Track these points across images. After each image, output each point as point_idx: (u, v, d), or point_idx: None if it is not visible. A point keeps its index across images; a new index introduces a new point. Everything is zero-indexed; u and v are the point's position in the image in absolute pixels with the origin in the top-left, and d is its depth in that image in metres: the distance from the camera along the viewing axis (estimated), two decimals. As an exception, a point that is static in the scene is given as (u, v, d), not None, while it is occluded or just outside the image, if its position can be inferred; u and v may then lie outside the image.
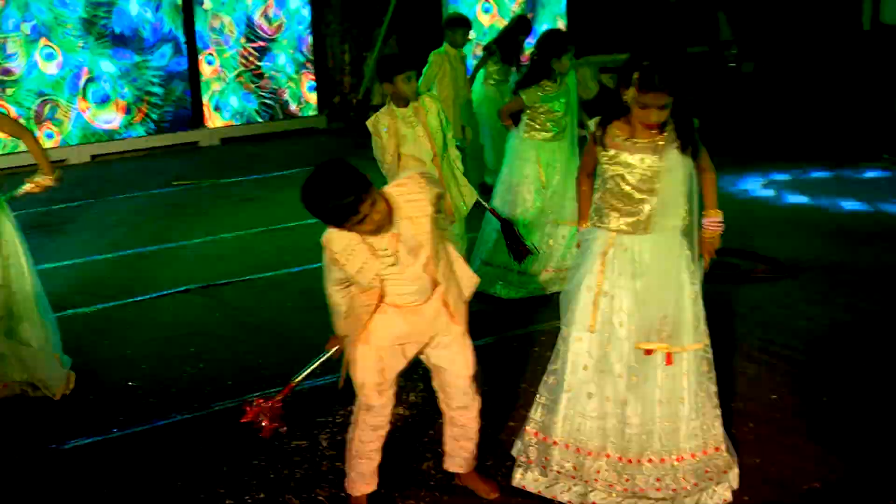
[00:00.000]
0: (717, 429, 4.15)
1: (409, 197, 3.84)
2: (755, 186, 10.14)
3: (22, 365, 5.34)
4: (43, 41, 12.32)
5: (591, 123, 4.14)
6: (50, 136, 12.52)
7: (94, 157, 12.82)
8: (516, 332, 6.11)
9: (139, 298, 7.04)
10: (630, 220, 4.06)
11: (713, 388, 4.19)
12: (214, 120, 13.80)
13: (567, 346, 4.18)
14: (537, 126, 6.80)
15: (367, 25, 15.12)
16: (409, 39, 14.63)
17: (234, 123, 13.91)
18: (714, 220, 4.27)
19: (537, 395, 4.30)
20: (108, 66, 12.86)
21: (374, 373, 4.01)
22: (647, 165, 4.00)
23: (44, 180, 5.43)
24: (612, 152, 4.04)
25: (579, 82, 10.79)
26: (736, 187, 10.07)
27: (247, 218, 9.35)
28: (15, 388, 5.36)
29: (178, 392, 5.43)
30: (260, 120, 14.10)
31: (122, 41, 12.90)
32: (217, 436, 4.89)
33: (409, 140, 6.01)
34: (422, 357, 4.17)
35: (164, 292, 7.17)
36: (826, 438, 4.65)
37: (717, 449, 4.14)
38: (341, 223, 3.69)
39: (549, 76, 6.70)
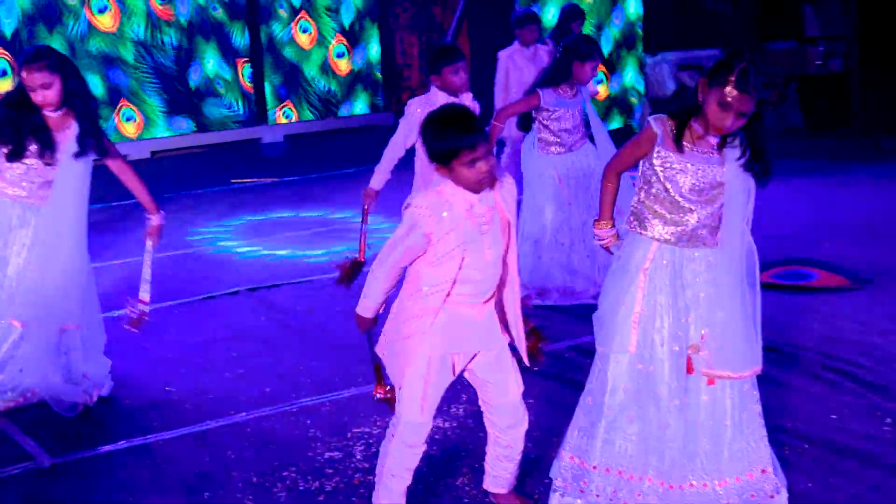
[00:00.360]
0: (763, 450, 4.06)
1: (506, 181, 3.87)
2: (833, 189, 9.95)
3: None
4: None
5: (653, 120, 3.99)
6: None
7: (153, 153, 13.01)
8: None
9: (185, 300, 7.11)
10: (674, 229, 3.96)
11: (757, 408, 4.09)
12: (278, 116, 13.93)
13: (605, 366, 4.09)
14: (550, 139, 6.72)
15: (437, 18, 15.12)
16: (482, 32, 14.58)
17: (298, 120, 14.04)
18: None
19: (574, 417, 4.23)
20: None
21: (420, 385, 3.85)
22: (702, 175, 3.89)
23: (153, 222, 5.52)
24: (667, 154, 3.92)
25: (656, 80, 10.67)
26: (811, 190, 9.89)
27: (304, 218, 9.41)
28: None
29: (214, 398, 5.45)
30: (326, 116, 14.20)
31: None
32: (247, 445, 4.90)
33: None
34: (465, 373, 4.03)
35: (211, 294, 7.23)
36: (886, 466, 4.51)
37: (763, 472, 4.04)
38: (453, 157, 3.65)
39: (568, 80, 6.60)
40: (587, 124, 6.81)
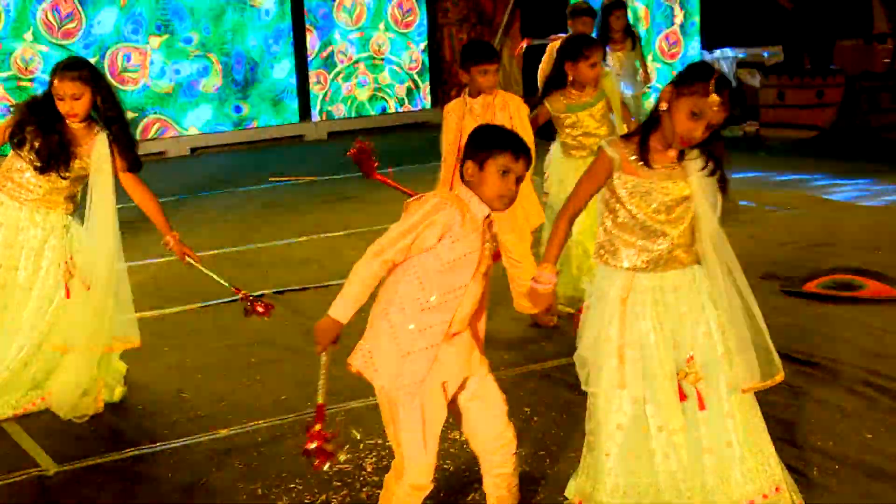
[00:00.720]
0: (774, 467, 3.99)
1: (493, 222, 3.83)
2: (891, 195, 9.81)
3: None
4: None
5: (606, 146, 3.90)
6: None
7: (193, 149, 13.13)
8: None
9: (209, 303, 7.15)
10: (648, 255, 3.88)
11: (761, 424, 4.02)
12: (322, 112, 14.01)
13: (598, 406, 4.04)
14: (572, 143, 6.65)
15: (487, 13, 15.11)
16: (536, 27, 14.57)
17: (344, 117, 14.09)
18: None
19: (582, 458, 4.18)
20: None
21: (418, 422, 3.69)
22: (667, 192, 3.82)
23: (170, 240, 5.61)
24: (628, 179, 3.84)
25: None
26: (867, 195, 9.75)
27: (339, 219, 9.45)
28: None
29: (228, 406, 5.48)
30: (371, 113, 14.24)
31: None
32: (257, 455, 4.92)
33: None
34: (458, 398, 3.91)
35: (237, 297, 7.25)
36: (921, 489, 4.43)
37: (777, 490, 3.97)
38: (497, 149, 3.61)
39: (564, 84, 6.47)
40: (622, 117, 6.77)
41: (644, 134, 3.84)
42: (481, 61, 6.05)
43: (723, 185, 3.86)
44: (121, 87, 12.52)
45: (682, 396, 3.93)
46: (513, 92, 7.11)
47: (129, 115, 5.64)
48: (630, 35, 10.01)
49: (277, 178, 11.31)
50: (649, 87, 10.29)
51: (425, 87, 14.70)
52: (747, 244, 8.12)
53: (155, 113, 12.89)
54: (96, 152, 5.28)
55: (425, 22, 14.71)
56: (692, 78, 3.74)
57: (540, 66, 9.08)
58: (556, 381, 5.61)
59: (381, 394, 3.76)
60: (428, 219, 3.60)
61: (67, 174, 5.29)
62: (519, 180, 3.66)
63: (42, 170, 5.26)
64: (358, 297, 3.64)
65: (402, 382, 3.66)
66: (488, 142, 3.67)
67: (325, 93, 13.98)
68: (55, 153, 5.23)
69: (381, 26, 14.29)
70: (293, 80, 13.73)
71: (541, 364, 5.84)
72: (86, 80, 5.19)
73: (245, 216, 9.76)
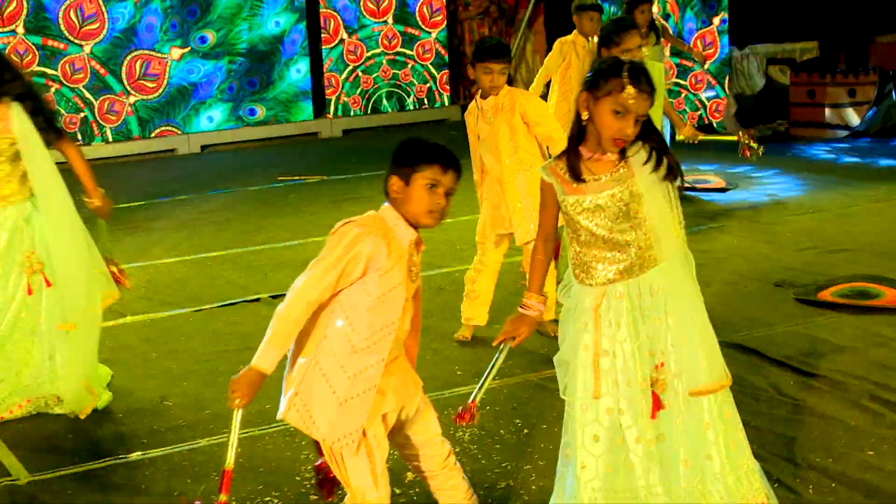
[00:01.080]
0: (757, 481, 3.92)
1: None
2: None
3: (52, 375, 5.48)
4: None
5: (543, 172, 3.88)
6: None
7: (204, 147, 13.16)
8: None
9: (204, 307, 7.17)
10: (619, 266, 3.82)
11: (741, 435, 3.97)
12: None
13: (574, 415, 4.00)
14: None
15: (509, 7, 15.08)
16: (560, 24, 14.51)
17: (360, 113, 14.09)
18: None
19: (557, 472, 4.15)
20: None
21: (365, 460, 3.63)
22: (619, 199, 3.75)
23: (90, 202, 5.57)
24: (573, 198, 3.79)
25: (744, 75, 10.38)
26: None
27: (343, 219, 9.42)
28: (40, 403, 5.51)
29: (211, 414, 5.48)
30: (388, 109, 14.23)
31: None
32: (235, 466, 4.90)
33: (484, 137, 6.05)
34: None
35: (232, 301, 7.28)
36: (921, 511, 4.38)
37: (760, 504, 3.94)
38: (423, 163, 3.53)
39: None
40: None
41: (572, 148, 3.80)
42: (485, 59, 6.02)
43: (671, 172, 3.76)
44: (140, 95, 12.63)
45: (658, 406, 3.88)
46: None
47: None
48: (654, 29, 9.94)
49: (286, 178, 11.31)
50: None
51: (444, 83, 14.67)
52: (763, 249, 8.08)
53: (169, 125, 12.94)
54: (16, 122, 5.30)
55: (444, 16, 14.67)
56: (603, 77, 3.70)
57: (545, 62, 9.06)
58: (550, 392, 5.52)
59: (323, 444, 3.68)
60: (350, 251, 3.48)
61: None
62: (449, 194, 3.57)
63: None
64: (283, 343, 3.57)
65: (344, 432, 3.58)
66: (413, 155, 3.58)
67: (341, 88, 13.96)
68: None
69: (400, 21, 14.27)
70: (308, 77, 13.73)
71: (536, 374, 5.80)
72: None
73: (250, 216, 9.77)
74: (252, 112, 13.38)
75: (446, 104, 14.74)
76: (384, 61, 14.19)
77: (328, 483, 3.74)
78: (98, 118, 12.57)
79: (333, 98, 13.94)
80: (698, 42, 12.89)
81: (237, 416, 3.64)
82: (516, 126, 6.06)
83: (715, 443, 3.89)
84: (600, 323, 3.86)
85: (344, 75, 13.98)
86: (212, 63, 13.10)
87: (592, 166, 3.77)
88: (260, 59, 13.36)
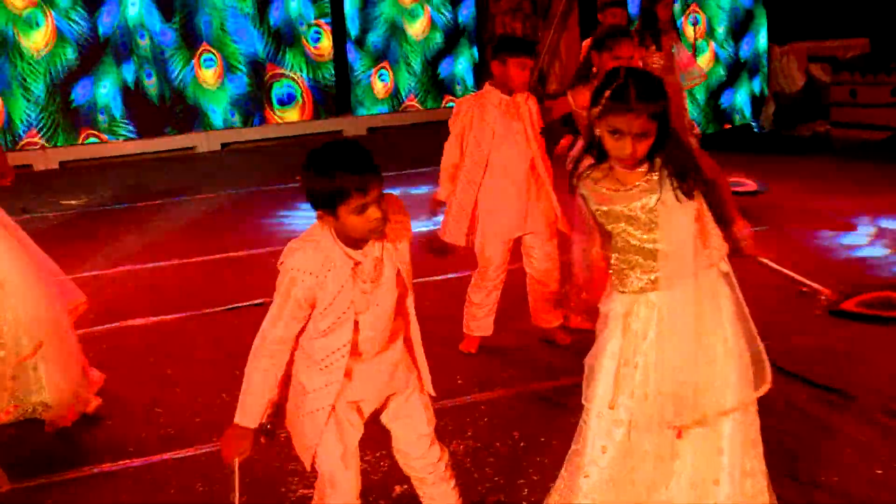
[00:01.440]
0: None
1: (394, 221, 3.62)
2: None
3: (38, 384, 5.51)
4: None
5: (577, 183, 3.84)
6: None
7: (224, 145, 13.22)
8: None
9: (206, 311, 7.19)
10: (653, 275, 3.80)
11: (759, 465, 3.93)
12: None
13: (588, 422, 3.99)
14: None
15: (542, 1, 15.04)
16: (592, 18, 14.46)
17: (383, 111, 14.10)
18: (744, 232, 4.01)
19: (560, 472, 4.14)
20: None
21: (333, 442, 3.74)
22: (649, 209, 3.72)
23: None
24: (605, 208, 3.78)
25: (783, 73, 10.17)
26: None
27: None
28: (27, 409, 5.53)
29: (202, 423, 5.50)
30: (414, 107, 14.23)
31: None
32: (219, 477, 4.91)
33: (505, 133, 6.00)
34: (382, 417, 3.95)
35: (236, 305, 7.30)
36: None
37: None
38: (338, 201, 3.37)
39: (588, 77, 6.31)
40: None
41: (597, 161, 3.77)
42: (520, 53, 5.96)
43: (691, 186, 3.69)
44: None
45: (680, 433, 3.85)
46: None
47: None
48: (674, 26, 9.88)
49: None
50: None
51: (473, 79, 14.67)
52: (791, 255, 7.99)
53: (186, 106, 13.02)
54: None
55: (473, 9, 14.66)
56: (597, 95, 3.65)
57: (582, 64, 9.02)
58: (553, 405, 5.53)
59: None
60: (288, 300, 3.54)
61: None
62: (381, 202, 3.43)
63: None
64: (260, 398, 3.67)
65: (303, 444, 3.77)
66: (328, 190, 3.40)
67: (365, 86, 13.98)
68: None
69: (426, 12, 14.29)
70: (332, 75, 13.77)
71: (542, 384, 5.77)
72: None
73: (263, 217, 9.80)
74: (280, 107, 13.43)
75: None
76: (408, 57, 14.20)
77: None
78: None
79: (357, 96, 13.95)
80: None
81: (236, 468, 3.71)
82: (524, 129, 6.06)
83: (727, 469, 3.85)
84: (629, 331, 3.85)
85: (367, 71, 13.99)
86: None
87: (622, 176, 3.73)
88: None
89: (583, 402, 4.00)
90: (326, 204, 3.42)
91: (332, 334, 3.61)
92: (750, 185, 10.28)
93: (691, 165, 3.72)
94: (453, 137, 6.09)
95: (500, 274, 6.19)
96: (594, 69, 6.29)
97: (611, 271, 3.94)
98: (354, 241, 3.52)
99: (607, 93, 3.59)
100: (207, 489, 4.82)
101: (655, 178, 3.73)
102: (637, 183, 3.73)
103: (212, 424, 5.45)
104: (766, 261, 4.66)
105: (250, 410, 3.64)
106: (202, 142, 13.06)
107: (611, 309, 3.93)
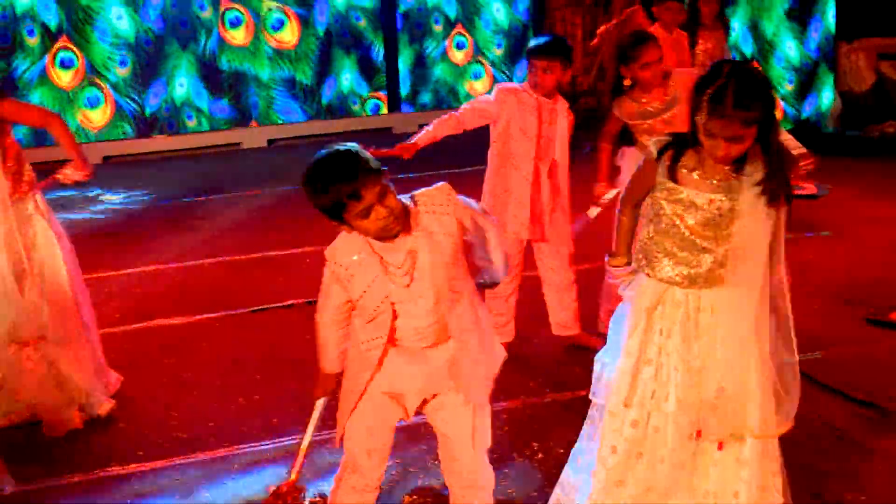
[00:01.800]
0: None
1: (431, 207, 3.71)
2: None
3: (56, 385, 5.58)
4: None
5: (653, 144, 3.83)
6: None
7: (270, 141, 13.29)
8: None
9: (231, 312, 7.23)
10: (686, 270, 3.78)
11: (777, 480, 3.89)
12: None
13: (600, 421, 3.98)
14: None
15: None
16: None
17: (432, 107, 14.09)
18: None
19: (562, 474, 4.14)
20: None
21: (363, 429, 3.95)
22: (717, 207, 3.70)
23: (74, 174, 5.57)
24: (672, 185, 3.75)
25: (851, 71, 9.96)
26: None
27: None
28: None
29: (215, 427, 5.53)
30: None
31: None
32: (228, 484, 4.96)
33: (530, 138, 6.03)
34: (427, 418, 4.08)
35: (263, 307, 7.33)
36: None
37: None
38: (341, 211, 3.52)
39: (622, 90, 6.14)
40: None
41: (684, 144, 3.75)
42: (538, 55, 5.95)
43: (775, 199, 3.67)
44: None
45: (700, 433, 3.84)
46: None
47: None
48: (722, 22, 9.80)
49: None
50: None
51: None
52: (844, 263, 7.90)
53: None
54: None
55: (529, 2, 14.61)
56: (696, 93, 3.62)
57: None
58: (575, 416, 5.46)
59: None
60: (329, 294, 3.86)
61: None
62: (383, 197, 3.51)
63: None
64: (335, 349, 4.00)
65: (338, 422, 4.02)
66: (326, 206, 3.54)
67: (415, 81, 14.00)
68: None
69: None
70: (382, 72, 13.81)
71: (564, 394, 5.75)
72: None
73: (301, 216, 9.81)
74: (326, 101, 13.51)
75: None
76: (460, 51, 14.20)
77: None
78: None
79: (407, 91, 13.97)
80: None
81: (321, 405, 4.16)
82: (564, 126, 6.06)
83: (747, 482, 3.83)
84: (652, 329, 3.84)
85: (417, 68, 14.00)
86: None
87: (705, 166, 3.72)
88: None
89: (590, 397, 4.00)
90: (332, 216, 3.57)
91: (371, 324, 3.78)
92: (809, 188, 10.15)
93: (782, 171, 3.68)
94: (478, 111, 6.07)
95: (512, 279, 6.18)
96: (626, 81, 6.22)
97: (639, 247, 3.93)
98: (380, 238, 3.64)
99: (709, 91, 3.55)
100: (210, 495, 4.87)
101: (735, 181, 3.69)
102: (719, 177, 3.70)
103: (224, 429, 5.50)
104: None
105: (330, 359, 4.01)
106: (248, 137, 13.13)
107: (634, 299, 3.91)
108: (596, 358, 4.06)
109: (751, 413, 3.81)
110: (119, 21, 12.48)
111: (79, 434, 5.50)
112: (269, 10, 13.12)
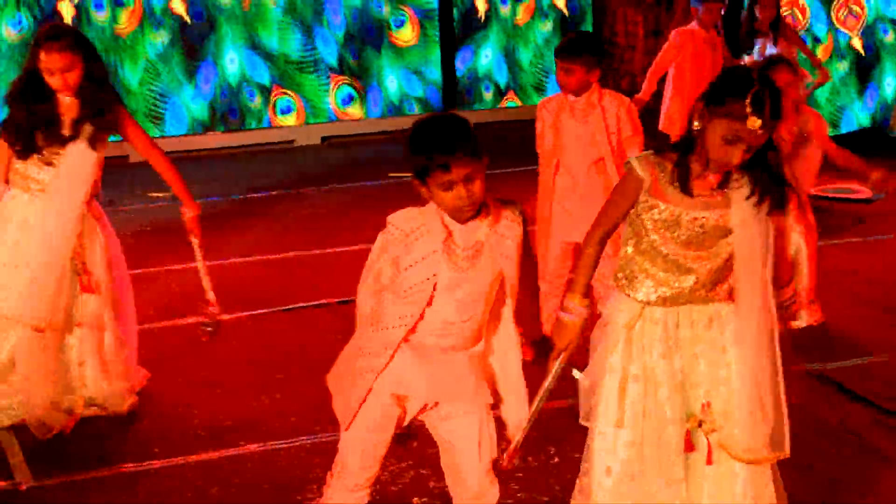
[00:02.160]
0: None
1: (509, 219, 3.74)
2: None
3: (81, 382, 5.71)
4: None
5: (636, 163, 3.78)
6: (288, 112, 13.22)
7: (324, 138, 13.38)
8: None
9: (264, 311, 7.32)
10: (668, 291, 3.78)
11: (772, 491, 3.89)
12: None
13: (592, 443, 3.98)
14: None
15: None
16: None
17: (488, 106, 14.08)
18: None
19: (571, 499, 4.15)
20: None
21: (363, 428, 3.90)
22: (700, 225, 3.69)
23: (189, 213, 5.82)
24: (655, 202, 3.72)
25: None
26: None
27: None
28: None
29: (233, 425, 5.61)
30: (517, 104, 14.20)
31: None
32: (240, 483, 5.05)
33: (571, 136, 6.03)
34: (427, 424, 4.03)
35: (295, 306, 7.41)
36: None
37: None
38: (426, 175, 3.56)
39: None
40: None
41: (682, 155, 3.70)
42: (561, 57, 6.03)
43: (777, 205, 3.70)
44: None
45: (690, 447, 3.84)
46: None
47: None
48: (777, 30, 9.73)
49: (398, 175, 11.41)
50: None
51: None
52: (878, 264, 7.82)
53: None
54: (79, 144, 5.48)
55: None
56: (724, 94, 3.58)
57: (659, 56, 9.02)
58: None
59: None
60: (380, 257, 3.76)
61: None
62: (470, 179, 3.53)
63: (47, 161, 5.47)
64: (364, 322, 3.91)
65: (341, 402, 3.98)
66: (414, 162, 3.62)
67: (470, 78, 14.02)
68: (50, 134, 5.43)
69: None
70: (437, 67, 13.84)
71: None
72: (74, 48, 5.37)
73: (346, 215, 9.90)
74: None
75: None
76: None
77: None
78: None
79: (463, 88, 13.99)
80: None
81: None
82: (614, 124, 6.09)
83: (742, 495, 3.83)
84: (632, 345, 3.85)
85: (472, 63, 14.02)
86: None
87: (692, 181, 3.69)
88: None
89: (581, 421, 4.01)
90: (418, 174, 3.61)
91: (406, 301, 3.72)
92: (864, 192, 10.05)
93: (777, 180, 3.70)
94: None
95: (554, 279, 6.19)
96: None
97: (619, 266, 3.92)
98: (452, 216, 3.64)
99: (744, 98, 3.50)
100: (222, 492, 4.96)
101: (720, 198, 3.69)
102: (704, 194, 3.69)
103: (243, 428, 5.58)
104: None
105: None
106: (301, 135, 13.23)
107: (612, 317, 3.92)
108: (578, 378, 4.04)
109: (737, 437, 3.80)
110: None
111: (98, 430, 5.61)
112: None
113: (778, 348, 3.81)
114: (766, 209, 3.68)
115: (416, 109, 13.60)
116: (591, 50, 5.99)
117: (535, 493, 4.83)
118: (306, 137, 13.30)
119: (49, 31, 5.49)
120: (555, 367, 3.86)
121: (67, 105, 5.44)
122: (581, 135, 6.04)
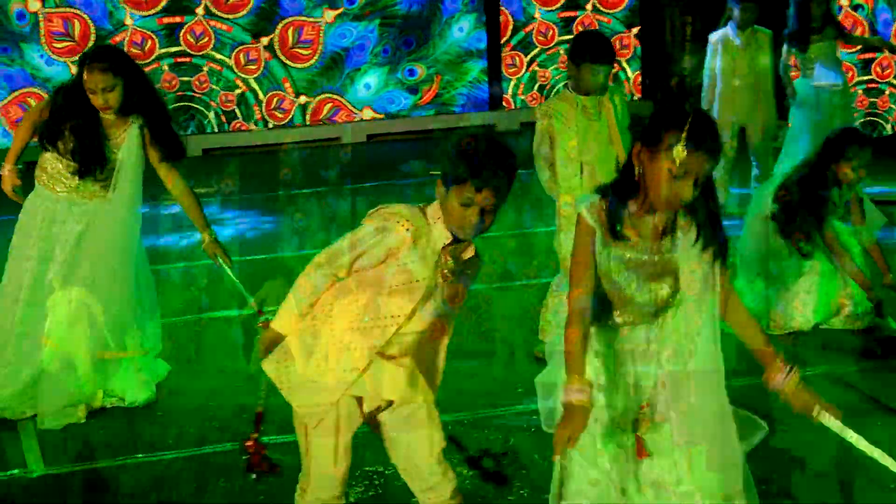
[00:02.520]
0: None
1: (474, 256, 3.78)
2: None
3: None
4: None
5: (585, 213, 3.66)
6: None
7: (370, 136, 13.46)
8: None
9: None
10: (622, 319, 3.74)
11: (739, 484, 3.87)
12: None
13: (570, 455, 3.82)
14: None
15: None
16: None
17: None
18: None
19: None
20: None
21: (332, 432, 3.87)
22: (650, 264, 3.63)
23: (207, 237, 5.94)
24: (603, 248, 3.64)
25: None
26: None
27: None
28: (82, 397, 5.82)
29: (249, 419, 5.62)
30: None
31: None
32: (242, 475, 5.08)
33: (588, 136, 6.05)
34: (372, 425, 4.02)
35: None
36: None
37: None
38: (455, 182, 3.56)
39: None
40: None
41: (619, 198, 3.61)
42: (586, 57, 6.05)
43: (717, 255, 3.62)
44: (292, 63, 13.07)
45: (643, 453, 3.83)
46: None
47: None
48: (831, 25, 9.65)
49: (438, 173, 11.46)
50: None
51: (635, 77, 14.52)
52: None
53: (326, 92, 13.31)
54: (126, 145, 5.68)
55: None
56: (660, 130, 3.50)
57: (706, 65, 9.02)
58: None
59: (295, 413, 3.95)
60: (375, 237, 3.66)
61: (102, 177, 5.70)
62: (487, 211, 3.57)
63: (81, 174, 5.67)
64: (299, 308, 3.82)
65: (316, 402, 3.84)
66: (454, 164, 3.59)
67: (520, 78, 14.04)
68: (91, 157, 5.65)
69: (588, 6, 14.24)
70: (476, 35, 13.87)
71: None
72: (115, 69, 5.57)
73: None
74: (412, 73, 13.63)
75: (633, 99, 14.52)
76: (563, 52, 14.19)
77: (260, 462, 4.21)
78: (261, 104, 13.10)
79: (514, 81, 14.03)
80: None
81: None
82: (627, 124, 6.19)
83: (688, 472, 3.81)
84: (603, 363, 3.81)
85: (525, 63, 14.05)
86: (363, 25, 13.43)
87: (636, 223, 3.63)
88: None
89: (545, 428, 3.92)
90: (450, 172, 3.59)
91: (391, 299, 3.71)
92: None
93: (718, 222, 3.65)
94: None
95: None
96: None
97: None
98: (457, 232, 3.64)
99: (684, 128, 3.43)
100: (230, 485, 5.05)
101: (667, 244, 3.63)
102: (649, 238, 3.63)
103: (246, 423, 5.62)
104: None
105: (286, 320, 3.87)
106: (347, 132, 13.33)
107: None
108: (536, 384, 4.00)
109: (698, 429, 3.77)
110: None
111: (113, 421, 5.74)
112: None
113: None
114: (709, 257, 3.62)
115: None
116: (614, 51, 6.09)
117: (541, 493, 4.83)
118: (352, 135, 13.41)
119: (96, 51, 5.91)
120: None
121: (109, 122, 5.66)
122: (597, 131, 6.09)
